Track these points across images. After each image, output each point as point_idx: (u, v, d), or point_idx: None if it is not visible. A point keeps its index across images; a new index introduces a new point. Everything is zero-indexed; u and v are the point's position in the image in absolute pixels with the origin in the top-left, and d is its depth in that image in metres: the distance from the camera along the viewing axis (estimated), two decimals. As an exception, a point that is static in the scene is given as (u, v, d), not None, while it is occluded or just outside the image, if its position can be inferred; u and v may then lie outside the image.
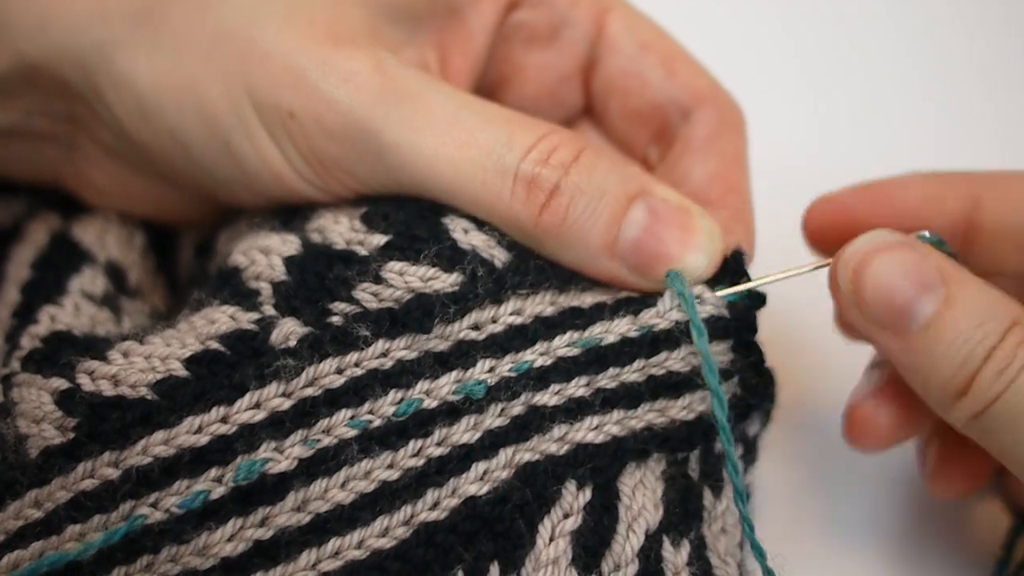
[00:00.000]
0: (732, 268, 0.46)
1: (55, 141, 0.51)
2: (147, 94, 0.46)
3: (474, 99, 0.47)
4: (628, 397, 0.45)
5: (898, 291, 0.42)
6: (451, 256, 0.45)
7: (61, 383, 0.44)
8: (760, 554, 0.43)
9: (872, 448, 0.51)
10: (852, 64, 0.76)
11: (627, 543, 0.43)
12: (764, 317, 0.47)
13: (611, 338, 0.45)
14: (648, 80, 0.51)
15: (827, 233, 0.52)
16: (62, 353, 0.45)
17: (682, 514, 0.44)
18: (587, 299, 0.46)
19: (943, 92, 0.75)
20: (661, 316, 0.45)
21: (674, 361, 0.45)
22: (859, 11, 0.79)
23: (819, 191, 0.53)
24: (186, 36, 0.46)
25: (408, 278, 0.45)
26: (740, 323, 0.46)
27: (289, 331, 0.44)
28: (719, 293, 0.45)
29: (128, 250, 0.53)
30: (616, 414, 0.45)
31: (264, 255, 0.46)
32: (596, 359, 0.45)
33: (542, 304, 0.45)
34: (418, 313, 0.44)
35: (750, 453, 0.48)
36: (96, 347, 0.45)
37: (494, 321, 0.45)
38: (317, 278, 0.45)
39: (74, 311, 0.48)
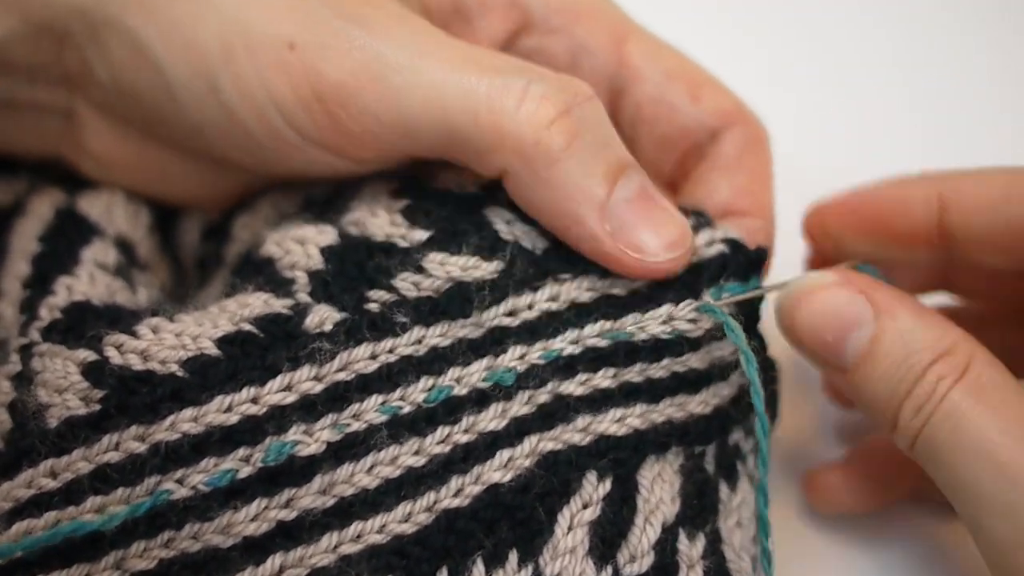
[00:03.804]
0: (754, 261, 0.47)
1: (54, 111, 0.50)
2: (139, 31, 0.45)
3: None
4: (651, 392, 0.45)
5: (827, 331, 0.44)
6: (492, 245, 0.45)
7: (88, 354, 0.43)
8: (767, 560, 0.45)
9: (831, 511, 0.53)
10: (854, 67, 0.78)
11: (644, 535, 0.44)
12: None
13: (643, 336, 0.45)
14: (676, 107, 0.51)
15: (821, 241, 0.54)
16: (85, 324, 0.45)
17: (699, 508, 0.45)
18: (624, 287, 0.46)
19: (943, 94, 0.77)
20: (696, 325, 0.45)
21: (696, 359, 0.46)
22: (860, 14, 0.81)
23: (821, 195, 0.55)
24: None
25: (449, 267, 0.45)
26: (744, 313, 0.46)
27: (324, 316, 0.44)
28: (731, 298, 0.46)
29: (135, 225, 0.52)
30: (639, 408, 0.45)
31: (300, 244, 0.46)
32: (625, 353, 0.45)
33: (579, 290, 0.46)
34: (458, 300, 0.44)
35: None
36: (121, 319, 0.45)
37: (530, 307, 0.45)
38: (356, 267, 0.45)
39: (89, 281, 0.47)
